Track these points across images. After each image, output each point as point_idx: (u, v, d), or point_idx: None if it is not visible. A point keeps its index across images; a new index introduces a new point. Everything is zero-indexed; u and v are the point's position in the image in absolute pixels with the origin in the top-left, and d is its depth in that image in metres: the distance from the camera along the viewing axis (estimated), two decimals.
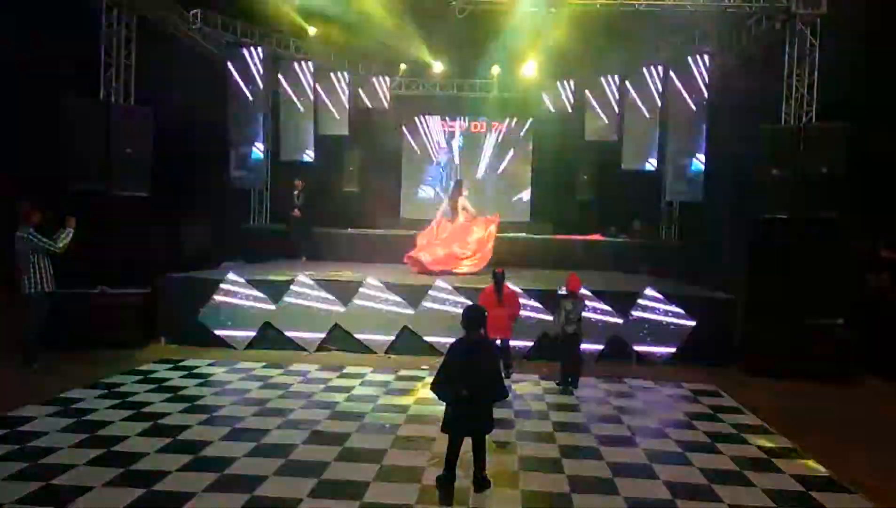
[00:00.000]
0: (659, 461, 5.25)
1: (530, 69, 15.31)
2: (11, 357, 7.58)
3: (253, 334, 8.97)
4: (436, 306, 8.91)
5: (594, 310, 8.70)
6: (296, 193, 13.05)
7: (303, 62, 15.13)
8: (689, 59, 13.47)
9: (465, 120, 17.33)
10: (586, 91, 15.51)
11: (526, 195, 17.18)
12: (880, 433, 6.27)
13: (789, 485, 4.87)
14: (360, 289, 9.03)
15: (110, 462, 4.82)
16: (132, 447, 5.17)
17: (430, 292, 8.98)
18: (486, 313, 4.86)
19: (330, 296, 9.03)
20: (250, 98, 14.16)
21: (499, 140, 17.27)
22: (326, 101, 15.57)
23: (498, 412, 4.73)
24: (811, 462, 5.36)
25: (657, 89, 14.34)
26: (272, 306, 8.99)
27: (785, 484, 4.88)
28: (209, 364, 8.08)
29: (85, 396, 6.52)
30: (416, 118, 17.41)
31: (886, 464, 5.44)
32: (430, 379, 4.77)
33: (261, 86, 14.19)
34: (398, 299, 8.99)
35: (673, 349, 8.79)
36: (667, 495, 4.60)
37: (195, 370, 7.77)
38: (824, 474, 5.13)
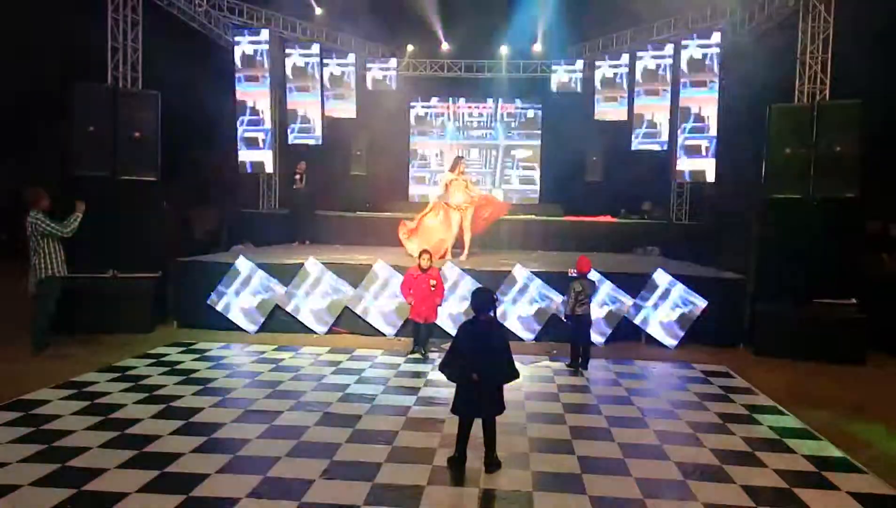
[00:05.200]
0: (670, 441, 5.24)
1: (538, 49, 15.18)
2: (25, 341, 7.63)
3: (263, 317, 9.01)
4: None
5: (604, 291, 8.68)
6: (297, 176, 13.09)
7: (309, 44, 15.04)
8: (701, 37, 13.30)
9: (473, 101, 17.20)
10: (595, 71, 15.35)
11: (535, 177, 17.10)
12: (893, 413, 6.23)
13: (801, 465, 4.85)
14: (370, 272, 9.04)
15: (124, 445, 4.86)
16: (145, 429, 5.21)
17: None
18: (496, 296, 4.84)
19: (340, 279, 9.04)
20: (257, 81, 14.12)
21: (507, 121, 17.16)
22: (333, 83, 15.48)
23: (508, 394, 4.72)
24: (823, 443, 5.34)
25: (668, 68, 14.17)
26: (282, 289, 9.02)
27: (797, 465, 4.86)
28: (220, 347, 8.12)
29: (98, 379, 6.57)
30: (423, 100, 17.30)
31: None
32: (440, 361, 4.77)
33: (267, 69, 14.14)
34: None
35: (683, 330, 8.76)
36: (678, 475, 4.60)
37: (207, 353, 7.81)
38: (837, 454, 5.11)
